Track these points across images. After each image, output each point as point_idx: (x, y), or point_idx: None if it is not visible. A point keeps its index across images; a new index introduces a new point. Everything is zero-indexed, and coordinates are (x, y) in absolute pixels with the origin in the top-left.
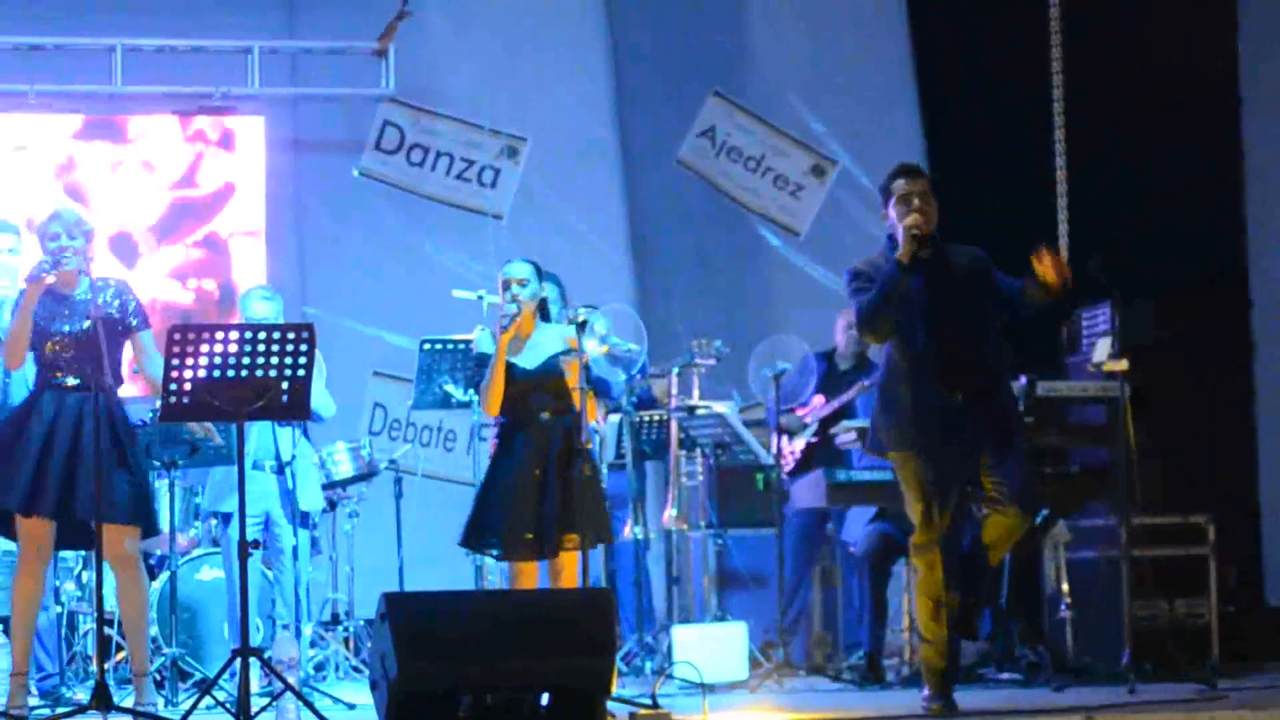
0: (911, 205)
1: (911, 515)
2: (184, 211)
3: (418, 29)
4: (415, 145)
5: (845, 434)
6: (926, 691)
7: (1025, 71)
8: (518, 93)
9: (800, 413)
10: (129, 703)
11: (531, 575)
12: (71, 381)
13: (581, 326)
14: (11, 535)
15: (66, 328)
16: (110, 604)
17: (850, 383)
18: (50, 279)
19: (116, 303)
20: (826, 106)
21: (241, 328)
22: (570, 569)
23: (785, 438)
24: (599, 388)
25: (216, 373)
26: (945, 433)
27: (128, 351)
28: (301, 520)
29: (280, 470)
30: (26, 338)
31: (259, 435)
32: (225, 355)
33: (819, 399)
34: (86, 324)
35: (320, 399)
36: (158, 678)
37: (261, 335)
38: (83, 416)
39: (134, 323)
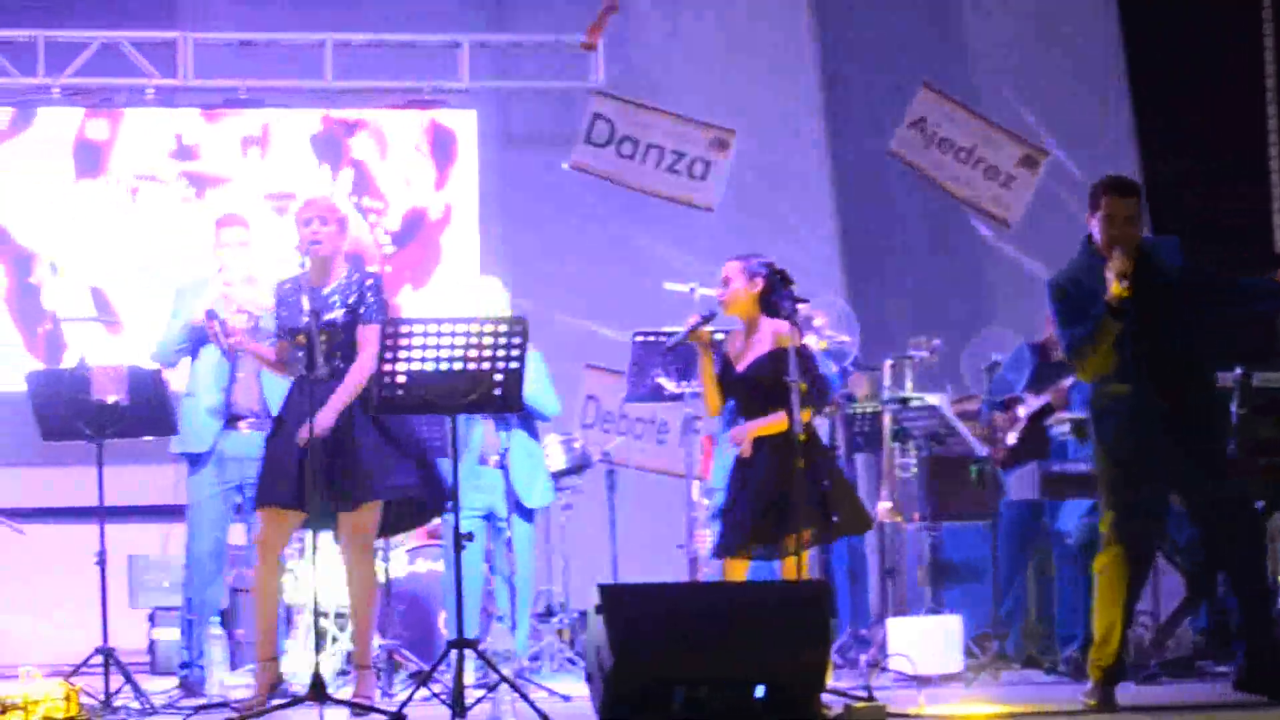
0: (1114, 226)
1: (1103, 508)
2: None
3: (627, 21)
4: (625, 138)
5: (1059, 425)
6: (1089, 685)
7: (1237, 61)
8: (727, 84)
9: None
10: (344, 694)
11: (742, 568)
12: (320, 373)
13: (800, 321)
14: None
15: (305, 319)
16: (325, 596)
17: (1063, 374)
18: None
19: (362, 291)
20: (1037, 97)
21: (454, 321)
22: (790, 563)
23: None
24: (818, 382)
25: (430, 366)
26: (1150, 433)
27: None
28: (525, 515)
29: (503, 464)
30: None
31: (484, 429)
32: (438, 348)
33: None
34: (337, 314)
35: (545, 396)
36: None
37: (474, 329)
38: (316, 408)
39: (365, 313)
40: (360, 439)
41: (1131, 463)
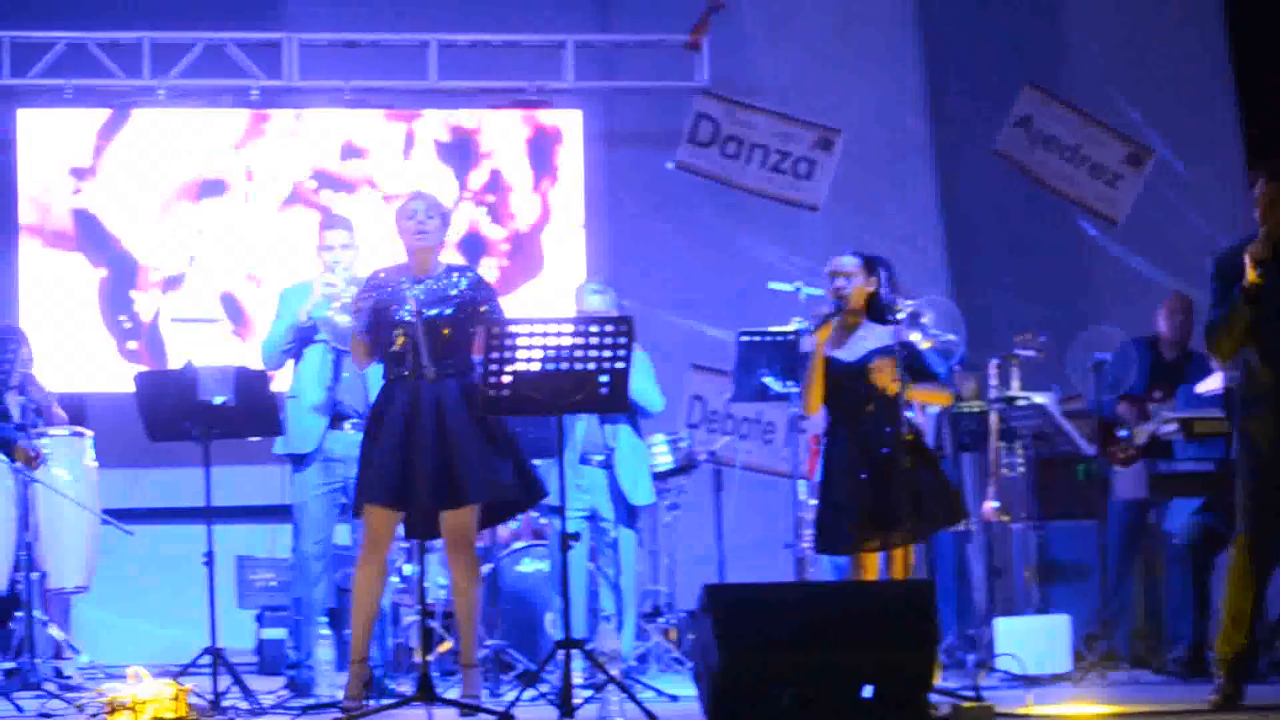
0: (1267, 211)
1: (1240, 495)
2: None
3: (731, 21)
4: (730, 138)
5: (1167, 425)
6: (1217, 680)
7: None
8: (831, 84)
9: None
10: (452, 694)
11: (872, 566)
12: (405, 369)
13: (910, 319)
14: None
15: (407, 316)
16: (433, 596)
17: (1176, 372)
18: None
19: (468, 289)
20: (1143, 95)
21: (559, 321)
22: (897, 561)
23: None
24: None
25: (535, 366)
26: None
27: None
28: (630, 514)
29: (608, 464)
30: (364, 345)
31: (588, 428)
32: (545, 349)
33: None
34: (437, 311)
35: (650, 393)
36: (481, 669)
37: (580, 328)
38: (441, 402)
39: (484, 309)
40: (464, 439)
41: (1271, 452)
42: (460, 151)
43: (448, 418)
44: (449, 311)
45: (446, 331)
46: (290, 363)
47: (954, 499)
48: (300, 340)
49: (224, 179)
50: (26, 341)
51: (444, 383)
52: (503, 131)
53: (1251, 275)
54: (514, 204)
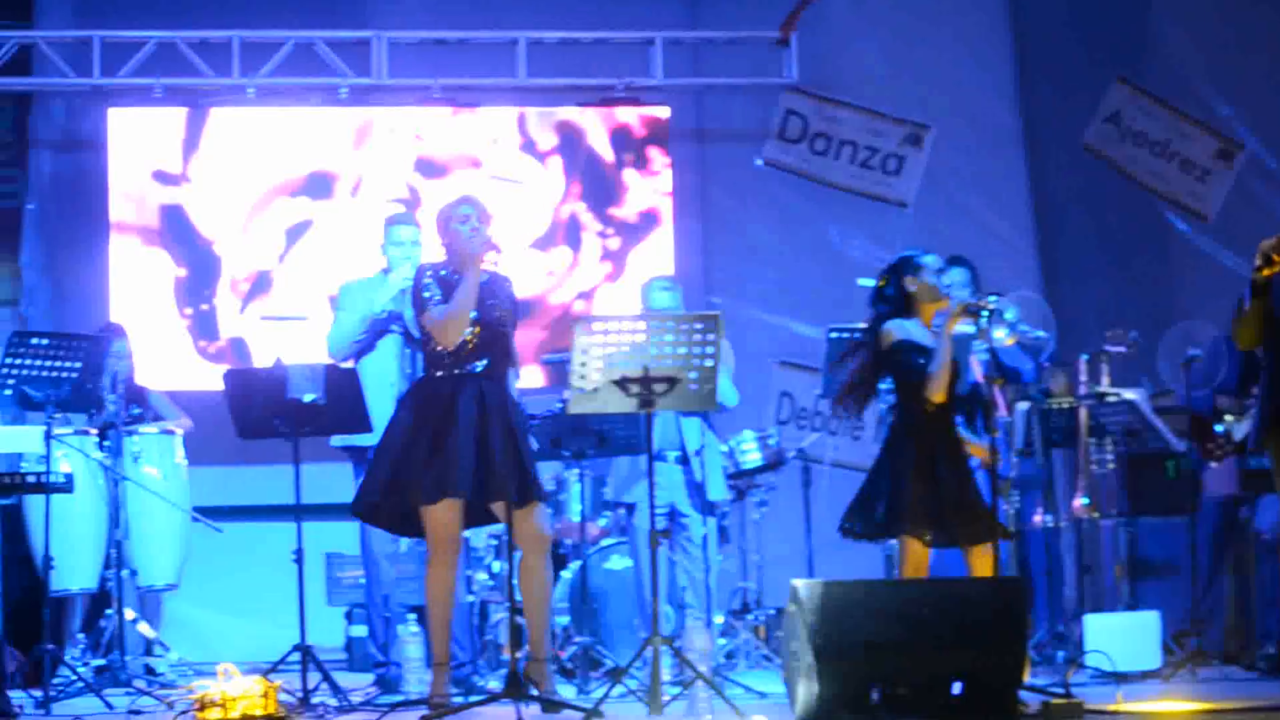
0: None
1: None
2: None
3: (819, 17)
4: (818, 134)
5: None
6: None
7: None
8: (920, 79)
9: None
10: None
11: (923, 561)
12: (474, 367)
13: (991, 314)
14: (413, 533)
15: (475, 313)
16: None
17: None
18: (490, 257)
19: (504, 296)
20: (1234, 90)
21: (648, 318)
22: (979, 560)
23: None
24: (1009, 376)
25: (623, 362)
26: None
27: None
28: (708, 509)
29: (685, 460)
30: (468, 316)
31: (663, 425)
32: (632, 346)
33: None
34: (496, 311)
35: (726, 390)
36: (569, 666)
37: (669, 325)
38: (487, 401)
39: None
40: (524, 437)
41: None
42: (551, 148)
43: (503, 416)
44: (498, 312)
45: (476, 332)
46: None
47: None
48: (374, 333)
49: (313, 177)
50: (125, 338)
51: (490, 381)
52: (591, 129)
53: (1256, 268)
54: (603, 201)
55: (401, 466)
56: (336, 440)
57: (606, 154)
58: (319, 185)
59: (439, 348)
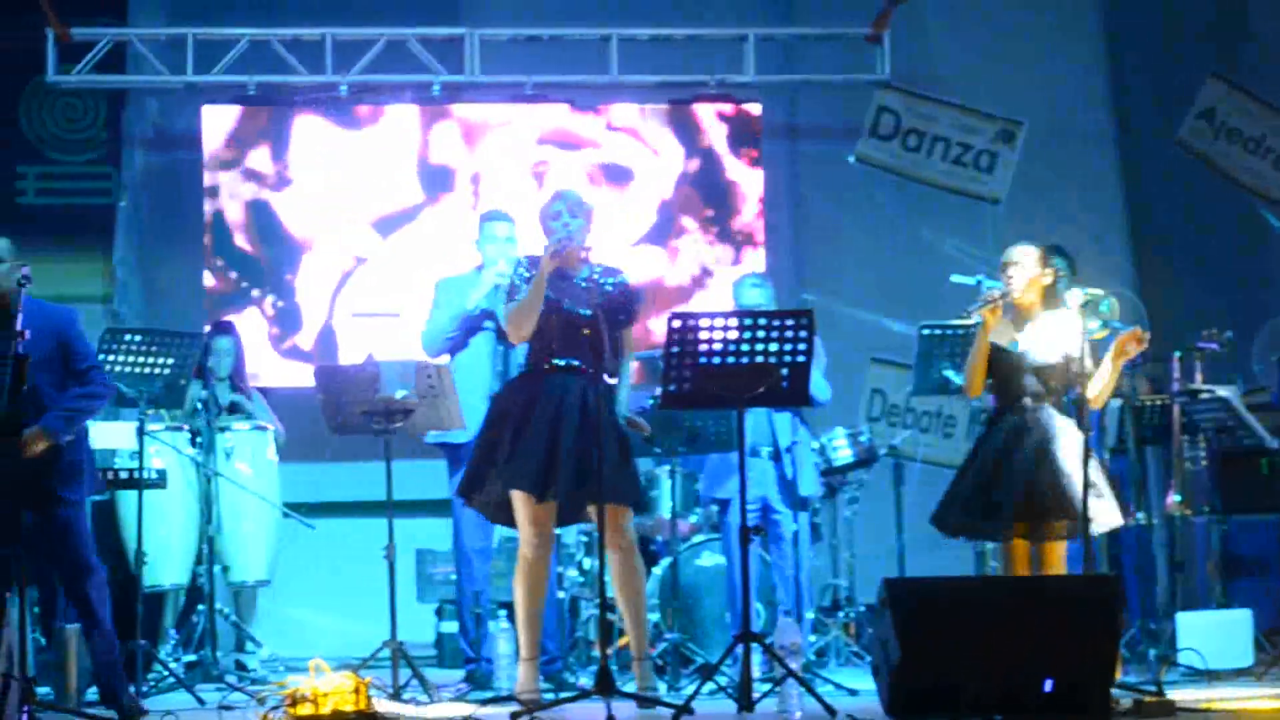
0: None
1: None
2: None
3: (912, 14)
4: (911, 130)
5: None
6: None
7: None
8: (1013, 76)
9: None
10: (630, 688)
11: (1024, 559)
12: (571, 363)
13: (1086, 306)
14: (510, 521)
15: (571, 308)
16: (612, 590)
17: None
18: (577, 252)
19: (618, 290)
20: None
21: (741, 314)
22: (1052, 555)
23: None
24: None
25: (716, 359)
26: None
27: None
28: (800, 506)
29: (777, 457)
30: (537, 312)
31: (755, 421)
32: (725, 342)
33: None
34: (586, 310)
35: (817, 383)
36: (660, 663)
37: (761, 321)
38: (586, 399)
39: (634, 313)
40: (616, 438)
41: None
42: (644, 143)
43: (589, 415)
44: (588, 313)
45: (586, 331)
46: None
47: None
48: (465, 330)
49: (403, 173)
50: (228, 335)
51: (589, 379)
52: (684, 126)
53: None
54: (697, 198)
55: (495, 460)
56: (431, 436)
57: (698, 151)
58: (410, 181)
59: (533, 345)
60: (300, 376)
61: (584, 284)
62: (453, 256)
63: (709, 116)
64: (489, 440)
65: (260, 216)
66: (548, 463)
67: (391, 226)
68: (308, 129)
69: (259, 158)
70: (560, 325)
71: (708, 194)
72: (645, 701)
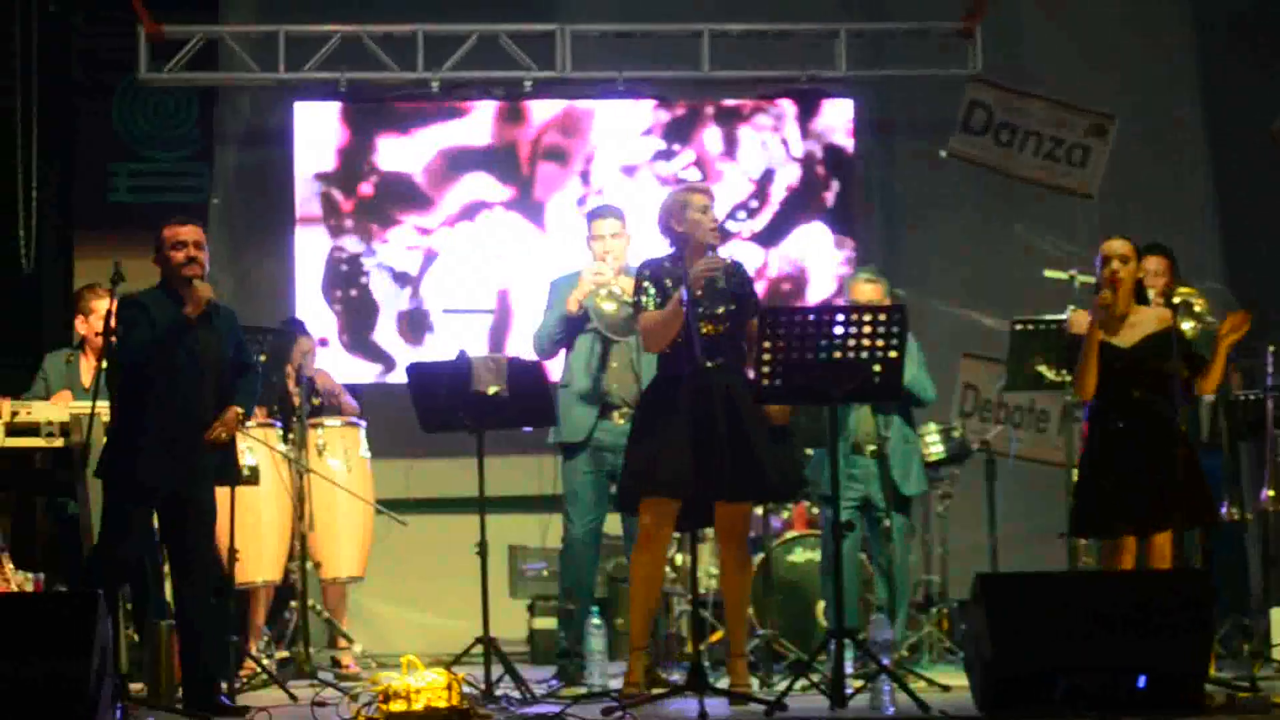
0: None
1: None
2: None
3: (1004, 7)
4: (1003, 125)
5: None
6: None
7: None
8: (1104, 70)
9: None
10: (722, 684)
11: (1130, 555)
12: (714, 360)
13: (1179, 306)
14: (633, 510)
15: (720, 309)
16: (704, 586)
17: None
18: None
19: (741, 280)
20: None
21: (832, 309)
22: (1161, 550)
23: None
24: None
25: (809, 355)
26: None
27: None
28: (902, 504)
29: (880, 454)
30: (678, 326)
31: (857, 417)
32: (817, 337)
33: None
34: (724, 308)
35: (921, 382)
36: (752, 659)
37: (853, 317)
38: (730, 396)
39: (756, 301)
40: (756, 433)
41: None
42: (734, 139)
43: (739, 411)
44: (724, 308)
45: (719, 329)
46: (562, 352)
47: (1206, 497)
48: (571, 330)
49: (500, 169)
50: (308, 333)
51: (728, 375)
52: (775, 120)
53: None
54: (788, 193)
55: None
56: (554, 437)
57: (789, 146)
58: (492, 176)
59: (652, 347)
60: (368, 373)
61: (722, 283)
62: (534, 253)
63: (800, 112)
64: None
65: (356, 213)
66: (683, 461)
67: (470, 219)
68: (393, 124)
69: (351, 153)
70: (712, 325)
71: (798, 189)
72: (738, 698)
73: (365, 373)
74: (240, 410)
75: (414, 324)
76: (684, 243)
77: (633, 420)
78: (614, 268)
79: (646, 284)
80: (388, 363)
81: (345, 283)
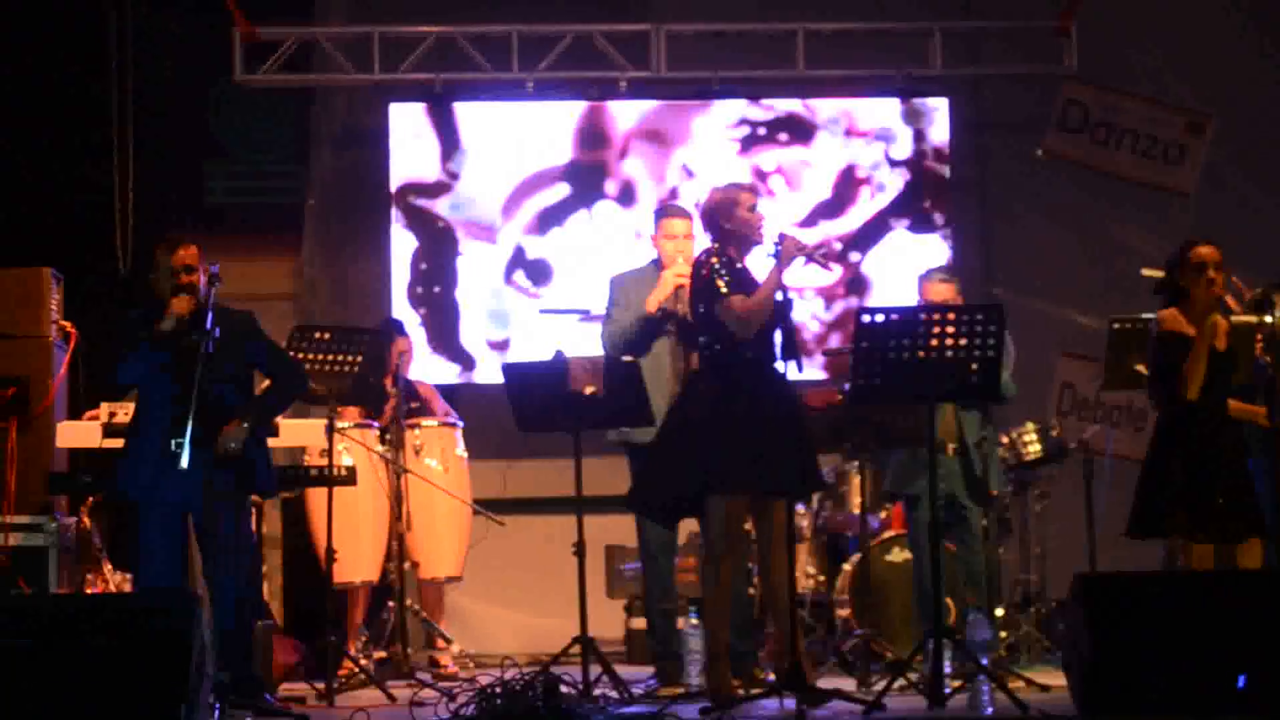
0: None
1: None
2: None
3: (1099, 5)
4: (1099, 123)
5: None
6: None
7: None
8: (1201, 68)
9: None
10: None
11: (1207, 555)
12: (761, 356)
13: (1262, 304)
14: (681, 518)
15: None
16: (802, 586)
17: None
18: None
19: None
20: None
21: (930, 309)
22: (1251, 552)
23: None
24: None
25: (905, 354)
26: None
27: None
28: (986, 502)
29: (964, 452)
30: (771, 307)
31: (942, 417)
32: (914, 337)
33: None
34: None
35: (1005, 382)
36: (849, 659)
37: (951, 316)
38: (773, 391)
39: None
40: (804, 429)
41: None
42: (827, 139)
43: (790, 407)
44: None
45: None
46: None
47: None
48: (649, 332)
49: (593, 170)
50: (405, 333)
51: (776, 373)
52: (869, 119)
53: None
54: (882, 192)
55: (684, 458)
56: (613, 436)
57: (884, 144)
58: (593, 178)
59: (738, 339)
60: (449, 374)
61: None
62: (618, 253)
63: (894, 110)
64: (668, 441)
65: (449, 213)
66: (753, 460)
67: (555, 221)
68: (486, 123)
69: (447, 155)
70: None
71: (893, 188)
72: (832, 696)
73: (446, 373)
74: (242, 422)
75: (497, 323)
76: (731, 239)
77: (679, 416)
78: (685, 267)
79: (719, 270)
80: (468, 363)
81: (428, 282)
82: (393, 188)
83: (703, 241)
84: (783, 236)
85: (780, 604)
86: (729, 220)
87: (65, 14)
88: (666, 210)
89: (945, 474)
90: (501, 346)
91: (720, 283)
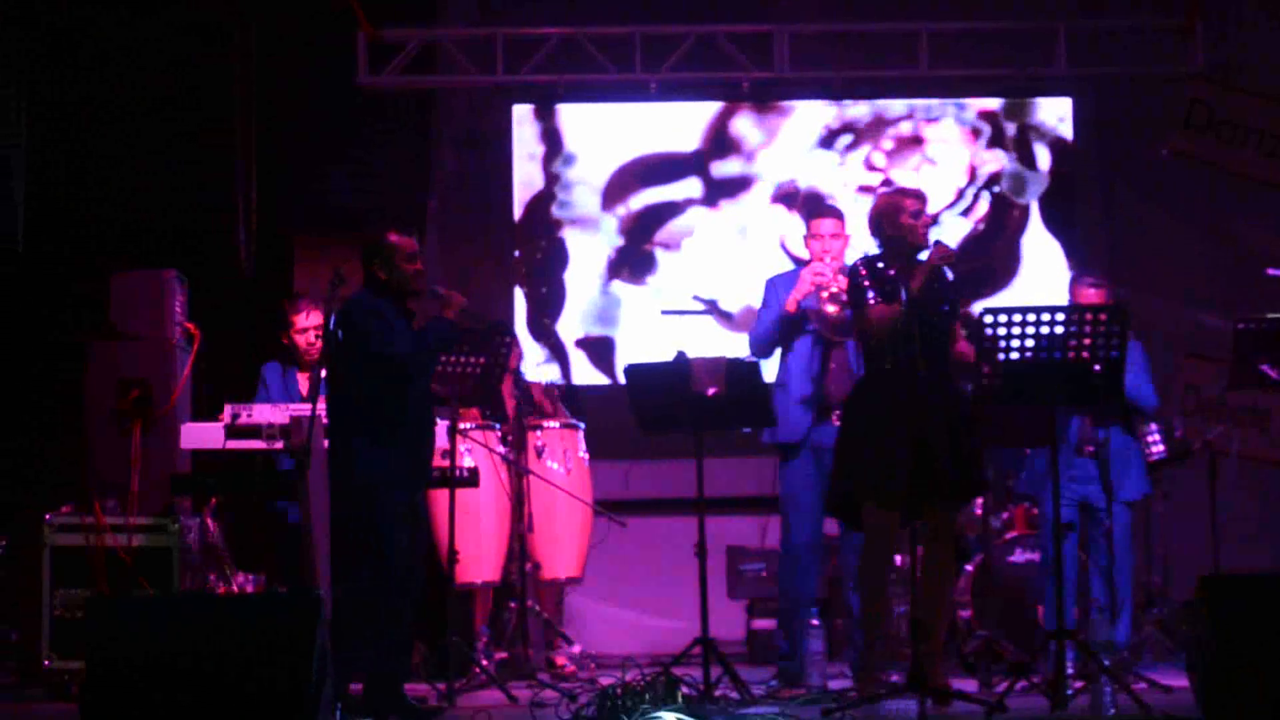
0: None
1: None
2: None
3: (1225, 3)
4: (1225, 122)
5: None
6: None
7: None
8: None
9: None
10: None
11: None
12: (916, 362)
13: None
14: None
15: (938, 308)
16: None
17: None
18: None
19: (945, 286)
20: None
21: (1054, 309)
22: None
23: None
24: None
25: (1029, 355)
26: None
27: None
28: (1121, 504)
29: (1100, 455)
30: (900, 313)
31: (1077, 418)
32: (1038, 337)
33: None
34: (937, 304)
35: (1142, 389)
36: (971, 660)
37: (1074, 317)
38: (945, 397)
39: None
40: (966, 431)
41: None
42: (951, 138)
43: (954, 411)
44: (937, 307)
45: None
46: (777, 352)
47: None
48: (789, 331)
49: (722, 169)
50: (515, 336)
51: (936, 376)
52: (992, 119)
53: None
54: (1005, 193)
55: (841, 463)
56: (769, 437)
57: (1005, 143)
58: (719, 178)
59: (874, 343)
60: (549, 372)
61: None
62: (742, 251)
63: (1019, 110)
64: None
65: (588, 213)
66: (887, 468)
67: (670, 220)
68: (606, 124)
69: (569, 154)
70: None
71: (1019, 188)
72: (956, 698)
73: (546, 371)
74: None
75: (602, 321)
76: (895, 245)
77: (842, 420)
78: (833, 268)
79: (867, 280)
80: (565, 360)
81: (535, 281)
82: (521, 189)
83: (860, 243)
84: (936, 243)
85: (928, 601)
86: (893, 226)
87: (191, 18)
88: (815, 210)
89: (1081, 476)
90: (606, 345)
91: (865, 290)
